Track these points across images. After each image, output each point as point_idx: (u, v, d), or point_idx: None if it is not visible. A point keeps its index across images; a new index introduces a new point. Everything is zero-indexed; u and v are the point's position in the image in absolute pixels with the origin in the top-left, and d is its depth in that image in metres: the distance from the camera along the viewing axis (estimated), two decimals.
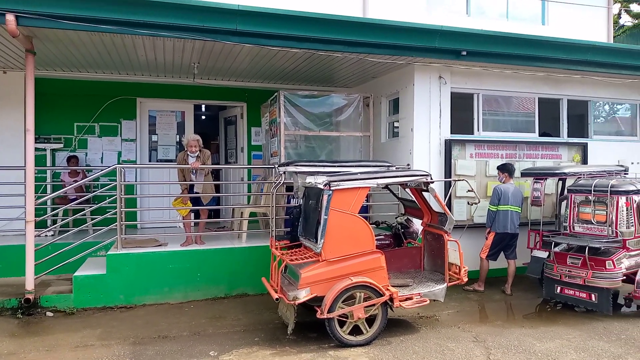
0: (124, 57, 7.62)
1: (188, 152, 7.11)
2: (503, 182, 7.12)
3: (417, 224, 6.43)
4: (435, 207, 6.00)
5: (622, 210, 6.06)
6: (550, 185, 7.84)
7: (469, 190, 6.08)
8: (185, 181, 7.17)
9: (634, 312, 6.09)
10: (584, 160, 8.38)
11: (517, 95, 8.38)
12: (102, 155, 9.27)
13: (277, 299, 5.08)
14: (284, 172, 6.14)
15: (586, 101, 8.86)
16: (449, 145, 7.66)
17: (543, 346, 4.95)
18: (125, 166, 7.30)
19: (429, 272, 6.01)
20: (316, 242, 5.06)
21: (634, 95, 9.05)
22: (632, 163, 8.69)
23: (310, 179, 5.47)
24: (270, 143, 8.42)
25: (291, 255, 5.40)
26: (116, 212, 6.58)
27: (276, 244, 5.83)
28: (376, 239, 6.21)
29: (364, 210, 7.62)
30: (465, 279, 5.56)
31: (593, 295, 5.96)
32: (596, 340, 5.15)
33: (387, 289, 5.11)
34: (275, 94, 7.80)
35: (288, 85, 9.61)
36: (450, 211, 7.45)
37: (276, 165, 6.34)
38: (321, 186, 5.10)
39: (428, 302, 5.28)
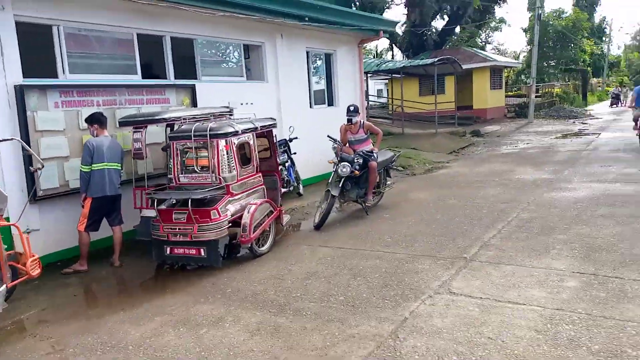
0: None
1: None
2: (96, 136, 5.88)
3: None
4: None
5: (223, 154, 5.71)
6: (160, 134, 7.08)
7: (25, 151, 4.57)
8: None
9: (245, 257, 5.95)
10: (194, 103, 7.88)
11: (111, 30, 7.03)
12: None
13: None
14: None
15: (192, 40, 8.30)
16: (21, 92, 5.80)
17: (138, 332, 4.10)
18: None
19: None
20: None
21: (235, 34, 9.01)
22: (242, 104, 8.73)
23: None
24: None
25: None
26: None
27: None
28: None
29: None
30: (36, 272, 4.23)
31: (202, 250, 5.50)
32: (201, 303, 4.63)
33: None
34: None
35: None
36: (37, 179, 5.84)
37: None
38: None
39: None
